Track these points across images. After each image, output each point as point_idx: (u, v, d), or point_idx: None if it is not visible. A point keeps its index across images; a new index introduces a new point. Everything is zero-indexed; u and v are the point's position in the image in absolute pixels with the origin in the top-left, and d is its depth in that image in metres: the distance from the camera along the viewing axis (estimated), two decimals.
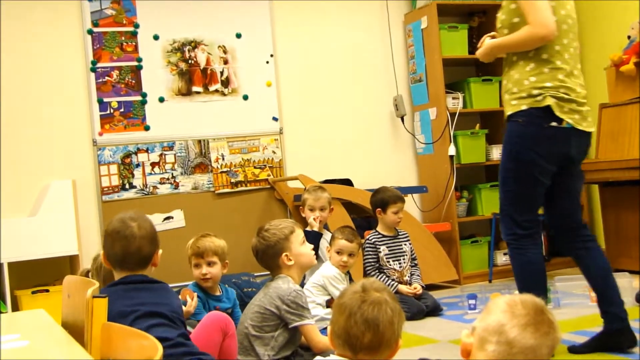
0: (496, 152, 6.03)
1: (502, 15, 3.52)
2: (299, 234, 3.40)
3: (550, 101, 3.36)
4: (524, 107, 3.42)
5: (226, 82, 5.80)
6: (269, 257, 3.35)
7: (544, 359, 1.63)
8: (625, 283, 4.59)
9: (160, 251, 2.73)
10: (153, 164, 5.54)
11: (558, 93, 3.38)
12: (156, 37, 5.61)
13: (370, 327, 1.97)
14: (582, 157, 3.63)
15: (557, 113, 3.37)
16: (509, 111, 3.49)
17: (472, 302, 4.66)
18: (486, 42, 3.59)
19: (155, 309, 2.54)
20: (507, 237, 3.58)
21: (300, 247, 3.40)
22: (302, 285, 4.07)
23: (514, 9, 3.42)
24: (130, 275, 2.63)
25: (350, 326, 1.98)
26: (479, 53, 3.66)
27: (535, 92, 3.39)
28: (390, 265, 4.90)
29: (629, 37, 5.71)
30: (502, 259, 5.96)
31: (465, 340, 1.70)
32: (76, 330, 2.13)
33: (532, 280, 3.48)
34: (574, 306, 4.51)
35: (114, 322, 2.38)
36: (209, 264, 3.64)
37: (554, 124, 3.38)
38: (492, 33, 3.63)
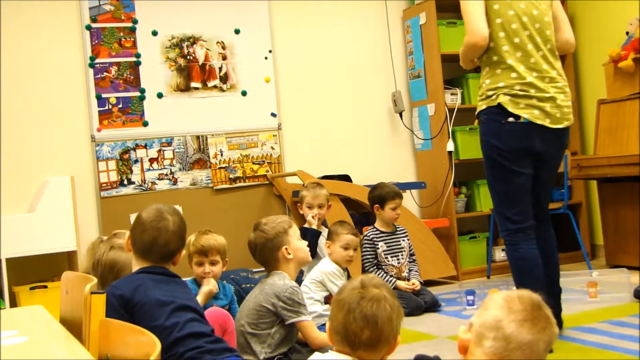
0: None
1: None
2: (295, 229, 3.43)
3: (502, 99, 3.52)
4: (484, 107, 3.62)
5: (225, 78, 5.79)
6: (268, 250, 3.34)
7: (541, 354, 1.63)
8: (623, 279, 4.61)
9: (183, 251, 2.74)
10: (151, 160, 5.54)
11: (512, 90, 3.52)
12: (155, 33, 5.61)
13: (369, 324, 1.98)
14: (555, 153, 3.72)
15: (511, 109, 3.51)
16: (476, 112, 3.71)
17: (470, 298, 4.66)
18: None
19: (188, 303, 2.56)
20: (502, 233, 3.70)
21: (298, 242, 3.41)
22: (299, 281, 4.07)
23: None
24: (156, 266, 2.64)
25: (349, 322, 1.99)
26: (460, 63, 3.87)
27: (490, 92, 3.58)
28: (388, 261, 4.90)
29: (627, 33, 5.71)
30: (500, 254, 5.97)
31: (462, 337, 1.70)
32: (74, 327, 2.13)
33: (526, 275, 3.56)
34: (573, 302, 4.51)
35: (152, 310, 2.44)
36: (212, 262, 3.62)
37: (511, 119, 3.52)
38: None
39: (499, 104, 3.53)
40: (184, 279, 3.69)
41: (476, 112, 3.70)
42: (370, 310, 1.99)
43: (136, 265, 2.67)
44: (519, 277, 3.60)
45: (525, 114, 3.50)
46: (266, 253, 3.35)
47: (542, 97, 3.54)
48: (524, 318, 1.64)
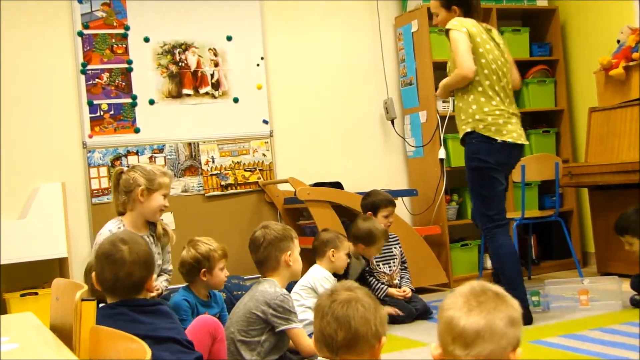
0: None
1: (449, 64, 4.52)
2: (298, 242, 3.48)
3: (489, 130, 4.36)
4: (470, 130, 4.41)
5: (216, 85, 5.79)
6: (275, 249, 3.37)
7: (505, 332, 1.60)
8: (615, 286, 4.61)
9: (155, 276, 2.62)
10: None
11: (495, 118, 4.37)
12: (147, 40, 5.60)
13: (342, 324, 2.00)
14: (515, 165, 4.61)
15: (498, 137, 4.36)
16: (464, 133, 4.49)
17: None
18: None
19: (169, 335, 2.47)
20: (483, 229, 4.49)
21: (298, 255, 3.45)
22: (290, 289, 4.07)
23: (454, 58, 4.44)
24: (130, 299, 2.50)
25: (324, 326, 2.02)
26: (438, 93, 4.76)
27: (478, 117, 4.40)
28: (380, 268, 4.90)
29: (618, 41, 5.73)
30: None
31: (434, 353, 1.69)
32: (65, 333, 2.12)
33: (504, 260, 4.39)
34: (564, 309, 4.53)
35: None
36: None
37: (499, 141, 4.36)
38: None
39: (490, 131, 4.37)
40: (178, 286, 3.73)
41: (464, 134, 4.46)
42: (342, 311, 2.02)
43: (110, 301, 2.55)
44: (500, 262, 4.44)
45: (510, 138, 4.35)
46: (271, 251, 3.37)
47: (516, 122, 4.44)
48: (469, 308, 1.62)
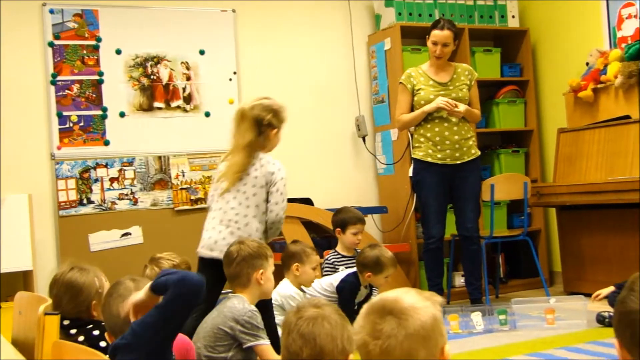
0: None
1: (466, 93, 5.26)
2: (272, 262, 3.45)
3: None
4: None
5: (188, 99, 5.77)
6: (247, 266, 3.35)
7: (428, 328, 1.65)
8: (580, 306, 4.64)
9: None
10: (112, 179, 5.49)
11: None
12: (118, 52, 5.58)
13: (307, 342, 1.99)
14: None
15: None
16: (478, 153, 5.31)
17: None
18: (461, 106, 5.12)
19: None
20: (476, 238, 5.26)
21: (271, 274, 3.44)
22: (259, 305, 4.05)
23: (467, 93, 5.27)
24: None
25: (290, 343, 2.01)
26: (464, 109, 5.13)
27: None
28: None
29: (587, 63, 5.81)
30: (459, 280, 5.99)
31: None
32: (27, 348, 2.10)
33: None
34: (530, 328, 4.54)
35: None
36: None
37: None
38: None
39: None
40: None
41: (477, 156, 5.29)
42: (307, 329, 2.01)
43: None
44: (480, 260, 5.37)
45: None
46: (243, 268, 3.35)
47: None
48: (365, 325, 1.67)
